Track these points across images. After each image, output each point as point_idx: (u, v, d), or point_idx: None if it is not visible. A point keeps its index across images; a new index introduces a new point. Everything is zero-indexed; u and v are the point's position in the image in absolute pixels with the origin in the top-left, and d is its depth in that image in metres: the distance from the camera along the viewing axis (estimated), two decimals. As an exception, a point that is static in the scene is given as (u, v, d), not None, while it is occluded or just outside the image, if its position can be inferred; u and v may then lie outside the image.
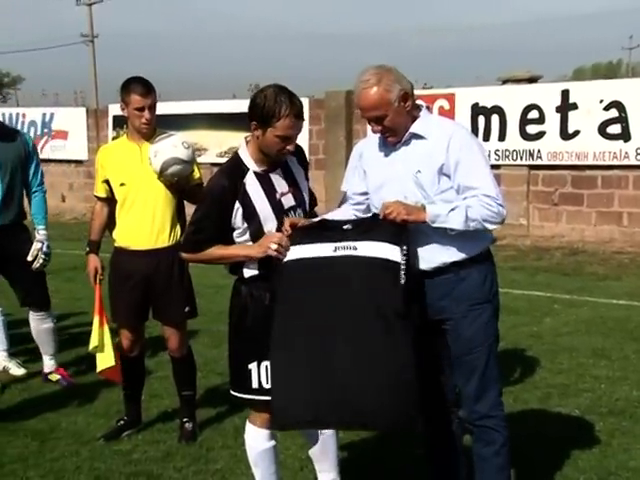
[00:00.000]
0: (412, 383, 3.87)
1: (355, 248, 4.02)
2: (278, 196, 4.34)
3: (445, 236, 4.13)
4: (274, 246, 4.09)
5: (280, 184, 4.37)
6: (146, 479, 5.16)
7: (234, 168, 4.35)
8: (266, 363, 4.27)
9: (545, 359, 7.62)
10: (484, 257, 4.29)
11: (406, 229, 4.04)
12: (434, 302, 4.24)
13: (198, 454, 5.52)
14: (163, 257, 5.67)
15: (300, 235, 4.14)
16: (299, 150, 4.52)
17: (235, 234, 4.33)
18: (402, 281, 3.92)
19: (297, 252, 4.11)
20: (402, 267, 3.94)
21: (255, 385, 4.38)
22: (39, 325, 7.07)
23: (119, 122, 18.43)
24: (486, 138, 15.09)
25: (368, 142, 4.57)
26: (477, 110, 15.27)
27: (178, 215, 5.76)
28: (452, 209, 4.07)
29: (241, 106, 18.49)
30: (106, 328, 5.75)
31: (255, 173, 4.32)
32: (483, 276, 4.26)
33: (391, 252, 3.97)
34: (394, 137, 4.25)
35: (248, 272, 4.36)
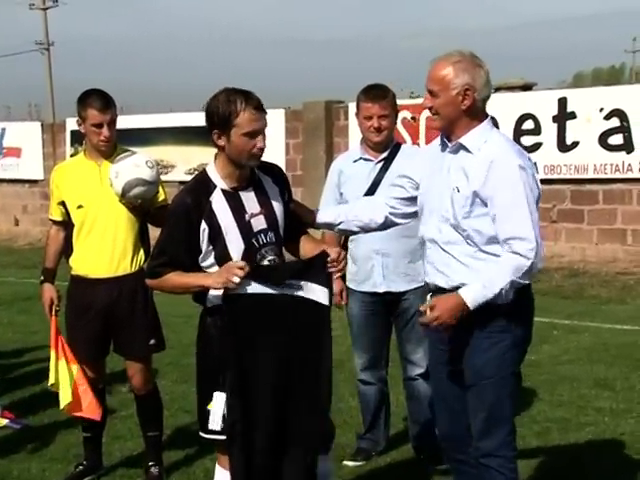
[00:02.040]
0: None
1: (300, 287, 4.25)
2: (247, 217, 4.34)
3: (469, 256, 4.21)
4: (237, 279, 4.08)
5: (251, 204, 4.37)
6: (108, 530, 5.15)
7: (200, 185, 4.37)
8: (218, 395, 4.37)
9: (544, 390, 7.64)
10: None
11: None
12: (452, 326, 4.24)
13: (165, 502, 5.51)
14: (125, 286, 5.67)
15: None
16: (275, 170, 4.57)
17: (207, 261, 4.35)
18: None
19: (251, 287, 4.20)
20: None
21: (214, 426, 4.43)
22: None
23: (77, 138, 18.21)
24: (478, 151, 15.16)
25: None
26: (467, 120, 15.33)
27: (141, 239, 5.76)
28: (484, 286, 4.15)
29: (211, 119, 18.69)
30: (64, 363, 5.74)
31: (223, 191, 4.33)
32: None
33: (323, 296, 4.27)
34: (437, 123, 4.38)
35: (211, 301, 4.37)
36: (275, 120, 16.27)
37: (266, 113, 4.29)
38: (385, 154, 5.78)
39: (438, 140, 4.52)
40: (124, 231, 5.65)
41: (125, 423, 6.73)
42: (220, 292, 4.22)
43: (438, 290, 4.35)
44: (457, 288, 4.19)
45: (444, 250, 4.30)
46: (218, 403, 4.38)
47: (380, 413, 6.15)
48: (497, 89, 16.03)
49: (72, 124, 19.00)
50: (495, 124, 4.39)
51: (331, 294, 4.32)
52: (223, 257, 4.29)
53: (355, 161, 5.84)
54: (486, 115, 4.36)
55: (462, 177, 4.27)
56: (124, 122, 17.20)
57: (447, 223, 4.28)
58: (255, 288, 4.18)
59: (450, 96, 4.24)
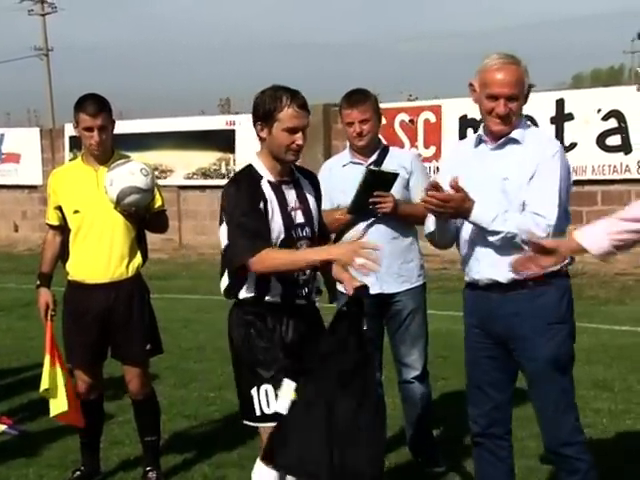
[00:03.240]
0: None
1: None
2: (289, 209, 4.47)
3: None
4: (360, 261, 4.14)
5: (291, 198, 4.51)
6: (106, 535, 5.14)
7: (248, 175, 4.50)
8: (265, 387, 4.40)
9: (542, 392, 7.62)
10: (562, 274, 4.48)
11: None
12: (505, 318, 4.40)
13: (163, 506, 5.51)
14: (122, 290, 5.67)
15: None
16: (312, 175, 4.75)
17: None
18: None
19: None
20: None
21: (257, 412, 4.44)
22: None
23: (76, 143, 18.29)
24: (476, 153, 15.17)
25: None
26: (466, 122, 15.31)
27: (138, 244, 5.76)
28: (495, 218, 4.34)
29: (210, 123, 18.72)
30: (58, 369, 5.72)
31: (269, 182, 4.46)
32: (561, 294, 4.44)
33: None
34: (505, 126, 4.50)
35: (244, 294, 4.47)
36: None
37: (309, 113, 4.43)
38: (374, 157, 5.78)
39: (462, 144, 4.67)
40: (121, 236, 5.65)
41: (123, 428, 6.71)
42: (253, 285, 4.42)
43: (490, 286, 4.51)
44: (512, 281, 4.36)
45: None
46: (286, 388, 4.40)
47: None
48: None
49: (71, 130, 18.87)
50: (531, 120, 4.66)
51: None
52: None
53: (344, 165, 5.82)
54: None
55: (514, 167, 4.45)
56: (123, 127, 17.26)
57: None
58: None
59: (523, 97, 4.48)
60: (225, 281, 4.55)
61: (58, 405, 5.76)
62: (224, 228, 4.44)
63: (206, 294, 12.13)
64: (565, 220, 4.51)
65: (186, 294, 13.44)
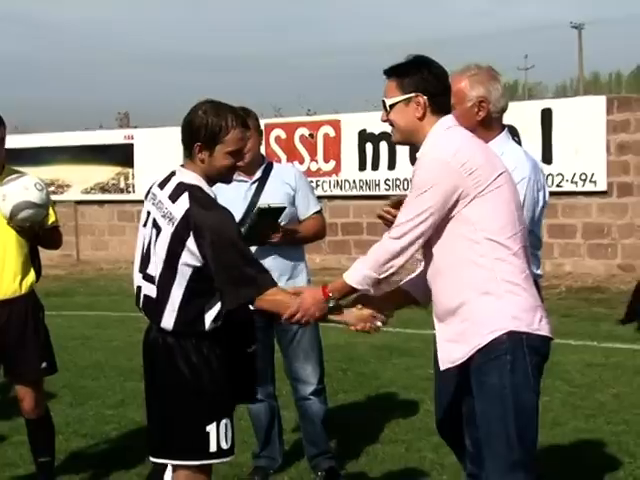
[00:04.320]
0: None
1: None
2: None
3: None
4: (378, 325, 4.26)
5: None
6: None
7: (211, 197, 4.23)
8: (225, 421, 4.19)
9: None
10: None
11: None
12: None
13: (57, 529, 5.42)
14: (15, 308, 5.57)
15: None
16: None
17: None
18: None
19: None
20: None
21: (213, 447, 4.20)
22: None
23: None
24: (375, 167, 15.36)
25: None
26: (364, 137, 15.48)
27: (31, 261, 5.67)
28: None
29: (109, 137, 18.58)
30: None
31: None
32: None
33: None
34: None
35: (210, 325, 4.18)
36: (174, 138, 16.18)
37: (249, 130, 4.38)
38: (259, 174, 5.80)
39: None
40: (13, 253, 5.54)
41: (16, 449, 6.55)
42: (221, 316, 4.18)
43: None
44: None
45: None
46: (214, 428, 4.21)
47: (272, 429, 6.10)
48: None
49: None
50: (514, 133, 4.46)
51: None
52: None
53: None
54: (503, 127, 4.55)
55: None
56: (18, 141, 17.12)
57: None
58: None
59: (465, 108, 4.39)
60: (174, 313, 4.16)
61: None
62: (165, 239, 4.12)
63: (104, 310, 12.03)
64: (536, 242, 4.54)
65: (84, 310, 13.26)
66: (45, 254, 5.89)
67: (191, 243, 4.04)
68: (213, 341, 4.21)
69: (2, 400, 7.07)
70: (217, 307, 4.16)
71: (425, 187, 3.80)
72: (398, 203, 4.32)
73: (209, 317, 4.16)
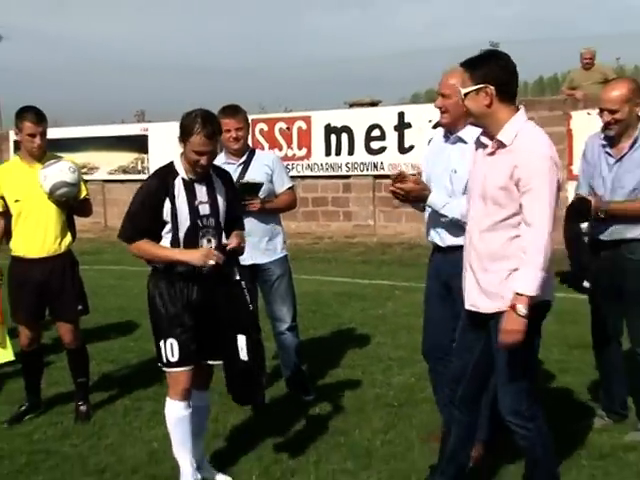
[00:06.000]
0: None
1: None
2: (197, 203, 4.35)
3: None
4: (212, 262, 4.22)
5: (201, 194, 4.38)
6: (45, 456, 5.03)
7: (167, 171, 4.39)
8: (170, 341, 4.34)
9: (387, 337, 7.77)
10: None
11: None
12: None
13: (92, 432, 5.42)
14: (56, 263, 5.57)
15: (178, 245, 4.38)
16: (227, 176, 4.62)
17: (164, 230, 4.33)
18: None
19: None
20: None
21: (164, 359, 4.40)
22: None
23: (19, 146, 17.77)
24: (338, 153, 15.28)
25: None
26: (330, 130, 15.42)
27: (68, 226, 5.68)
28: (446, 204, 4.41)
29: (128, 130, 18.40)
30: (4, 326, 5.62)
31: (183, 179, 4.35)
32: None
33: (234, 273, 4.39)
34: (446, 119, 4.49)
35: (159, 267, 4.38)
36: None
37: (216, 139, 4.31)
38: (244, 158, 5.77)
39: (437, 133, 4.74)
40: (53, 220, 5.55)
41: (60, 372, 6.55)
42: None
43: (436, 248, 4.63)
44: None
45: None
46: (162, 344, 4.40)
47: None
48: (352, 105, 16.17)
49: (14, 135, 18.36)
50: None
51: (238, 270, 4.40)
52: (175, 230, 4.32)
53: (222, 165, 5.81)
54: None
55: (460, 162, 4.39)
56: (57, 133, 16.93)
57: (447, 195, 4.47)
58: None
59: (455, 100, 4.30)
60: None
61: (4, 355, 5.70)
62: None
63: (126, 265, 11.96)
64: None
65: (110, 265, 13.20)
66: (79, 221, 5.89)
67: None
68: (163, 276, 4.37)
69: (50, 333, 7.09)
70: None
71: (544, 177, 3.61)
72: (399, 176, 4.45)
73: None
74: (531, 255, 3.59)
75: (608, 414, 5.20)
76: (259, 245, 5.69)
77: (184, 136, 4.25)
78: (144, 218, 4.33)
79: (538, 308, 3.69)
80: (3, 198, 5.57)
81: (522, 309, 3.58)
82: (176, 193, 4.31)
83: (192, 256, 4.26)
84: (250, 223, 5.39)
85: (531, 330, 3.67)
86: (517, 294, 3.59)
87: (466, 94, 3.76)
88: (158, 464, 4.82)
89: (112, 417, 5.68)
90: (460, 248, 4.13)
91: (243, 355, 4.29)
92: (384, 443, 5.05)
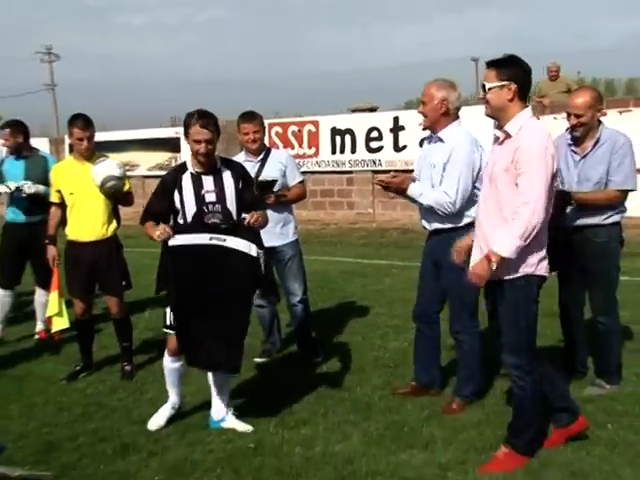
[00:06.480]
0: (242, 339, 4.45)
1: (224, 240, 4.33)
2: (203, 192, 4.42)
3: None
4: (157, 234, 4.30)
5: (208, 184, 4.44)
6: (97, 408, 5.08)
7: (178, 169, 4.57)
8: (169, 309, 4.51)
9: (385, 308, 7.77)
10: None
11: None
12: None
13: (135, 388, 5.46)
14: (104, 246, 5.62)
15: (186, 227, 4.39)
16: (237, 166, 4.65)
17: (178, 216, 4.45)
18: (261, 269, 4.39)
19: (181, 239, 4.33)
20: (260, 260, 4.37)
21: (167, 323, 4.55)
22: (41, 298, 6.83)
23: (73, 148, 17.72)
24: (342, 152, 15.25)
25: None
26: (335, 132, 15.39)
27: (114, 214, 5.71)
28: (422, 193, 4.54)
29: (164, 133, 18.37)
30: (63, 299, 5.67)
31: (191, 173, 4.45)
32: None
33: (248, 248, 4.35)
34: (427, 122, 4.59)
35: (171, 242, 4.39)
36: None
37: (210, 131, 4.35)
38: (261, 156, 5.78)
39: (425, 139, 4.78)
40: (101, 210, 5.59)
41: (108, 338, 6.58)
42: (177, 240, 4.34)
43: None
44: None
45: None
46: (169, 311, 4.56)
47: (273, 325, 6.16)
48: (354, 110, 16.11)
49: (68, 139, 18.35)
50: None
51: (259, 246, 4.39)
52: (184, 215, 4.43)
53: (243, 162, 5.81)
54: (457, 118, 4.55)
55: (439, 157, 4.51)
56: (104, 136, 16.94)
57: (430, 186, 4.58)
58: (191, 240, 4.33)
59: (433, 105, 4.48)
60: None
61: (61, 323, 5.74)
62: None
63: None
64: (469, 203, 4.47)
65: (149, 248, 13.10)
66: (123, 211, 5.91)
67: None
68: (171, 253, 4.39)
69: (98, 306, 7.11)
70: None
71: (539, 161, 3.60)
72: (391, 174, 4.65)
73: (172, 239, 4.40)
74: (516, 223, 3.60)
75: (570, 372, 5.21)
76: (274, 230, 5.69)
77: (186, 130, 4.38)
78: (155, 206, 4.50)
79: (532, 281, 3.76)
80: (60, 192, 5.60)
81: (493, 264, 3.64)
82: (184, 185, 4.41)
83: (153, 232, 4.35)
84: (269, 213, 5.39)
85: (529, 300, 3.77)
86: (493, 251, 3.65)
87: (490, 88, 3.74)
88: (190, 415, 4.86)
89: (152, 375, 5.71)
90: (445, 231, 4.42)
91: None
92: (382, 398, 5.07)
